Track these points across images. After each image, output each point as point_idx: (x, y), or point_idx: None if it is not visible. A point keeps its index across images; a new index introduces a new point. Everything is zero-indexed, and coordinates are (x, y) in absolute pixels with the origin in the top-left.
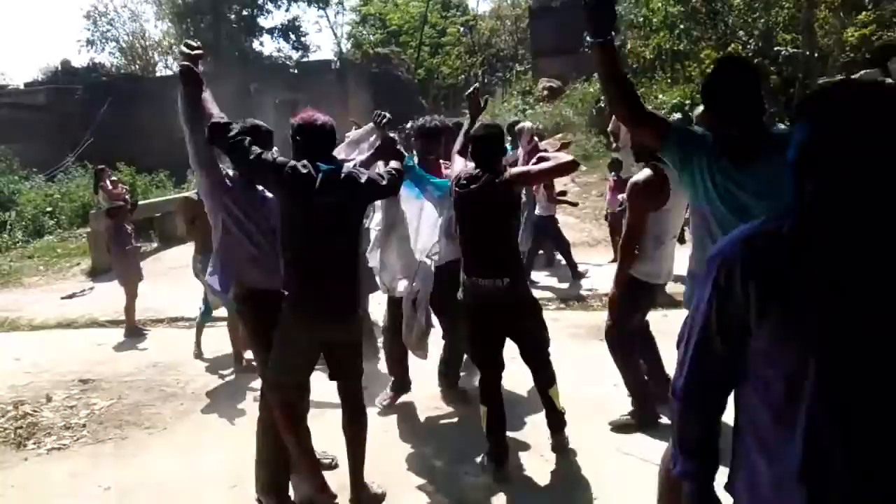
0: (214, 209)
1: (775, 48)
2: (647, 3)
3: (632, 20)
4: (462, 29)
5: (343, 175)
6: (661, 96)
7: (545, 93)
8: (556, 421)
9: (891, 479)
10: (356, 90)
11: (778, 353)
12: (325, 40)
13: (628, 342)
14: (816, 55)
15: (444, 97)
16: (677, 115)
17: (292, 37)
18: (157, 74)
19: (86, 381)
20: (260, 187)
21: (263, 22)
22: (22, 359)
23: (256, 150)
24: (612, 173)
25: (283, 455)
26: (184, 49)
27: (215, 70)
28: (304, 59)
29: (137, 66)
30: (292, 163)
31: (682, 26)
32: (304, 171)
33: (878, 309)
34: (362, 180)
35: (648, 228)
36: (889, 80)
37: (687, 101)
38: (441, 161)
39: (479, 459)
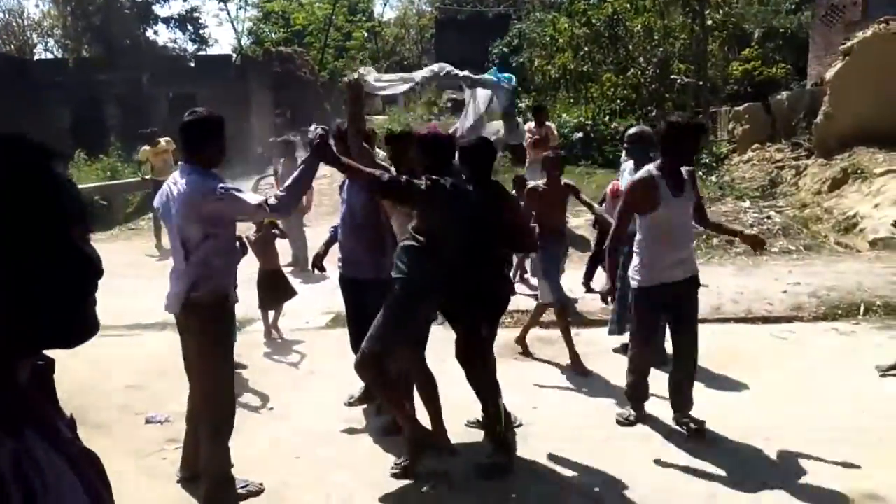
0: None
1: (671, 77)
2: (553, 24)
3: (536, 39)
4: (367, 35)
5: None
6: (564, 115)
7: (449, 104)
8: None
9: None
10: (257, 88)
11: None
12: (224, 34)
13: None
14: (708, 85)
15: (347, 101)
16: (579, 135)
17: (190, 28)
18: (36, 58)
19: None
20: None
21: (159, 10)
22: None
23: (420, 183)
24: (515, 191)
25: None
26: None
27: (105, 56)
28: (202, 53)
29: (13, 47)
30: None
31: (586, 48)
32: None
33: None
34: None
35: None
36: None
37: (588, 122)
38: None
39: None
